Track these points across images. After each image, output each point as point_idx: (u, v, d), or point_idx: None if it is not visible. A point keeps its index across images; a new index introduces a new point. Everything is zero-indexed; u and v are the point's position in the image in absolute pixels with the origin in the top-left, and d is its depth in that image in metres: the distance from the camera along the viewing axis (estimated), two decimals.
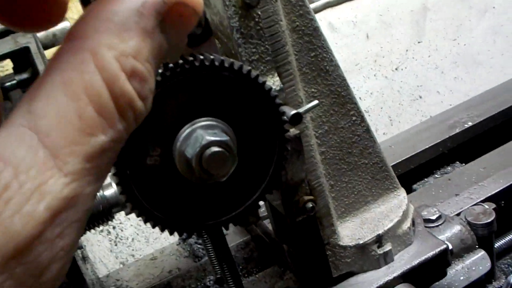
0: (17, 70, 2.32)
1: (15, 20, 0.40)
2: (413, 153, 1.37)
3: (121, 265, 1.63)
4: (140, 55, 0.34)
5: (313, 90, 0.76)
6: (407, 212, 0.85)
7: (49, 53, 2.47)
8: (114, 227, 1.64)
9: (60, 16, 0.42)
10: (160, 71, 0.50)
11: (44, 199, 0.30)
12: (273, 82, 0.68)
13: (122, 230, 1.64)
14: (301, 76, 0.74)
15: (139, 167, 0.52)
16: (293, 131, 0.67)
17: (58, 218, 0.31)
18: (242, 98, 0.54)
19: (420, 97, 2.07)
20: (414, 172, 1.37)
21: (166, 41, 0.36)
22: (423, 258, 0.81)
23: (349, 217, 0.84)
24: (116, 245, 1.64)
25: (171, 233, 0.57)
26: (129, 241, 1.66)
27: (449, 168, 1.40)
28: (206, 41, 0.54)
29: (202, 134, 0.51)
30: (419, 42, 2.05)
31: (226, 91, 0.53)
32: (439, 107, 2.06)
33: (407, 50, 2.02)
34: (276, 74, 0.67)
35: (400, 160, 1.34)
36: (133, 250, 1.67)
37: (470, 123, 1.44)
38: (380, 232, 0.80)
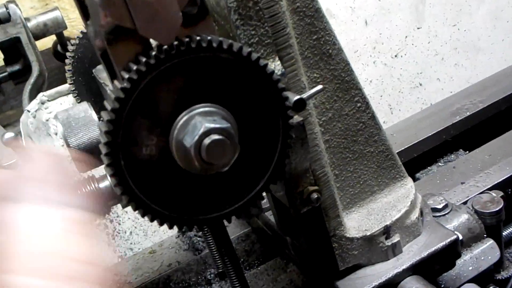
0: (8, 61, 2.26)
1: None
2: (416, 141, 1.34)
3: (119, 259, 1.59)
4: None
5: (315, 75, 0.72)
6: (415, 201, 0.81)
7: (41, 43, 2.39)
8: (111, 221, 1.60)
9: None
10: (153, 53, 0.46)
11: None
12: (274, 66, 0.64)
13: (119, 224, 1.61)
14: (303, 61, 0.70)
15: (134, 157, 0.49)
16: (296, 118, 0.63)
17: None
18: (243, 82, 0.50)
19: (420, 84, 2.04)
20: (417, 160, 1.34)
21: None
22: (432, 249, 0.78)
23: (355, 208, 0.80)
24: (113, 238, 1.60)
25: (170, 227, 0.53)
26: (127, 235, 1.63)
27: (453, 156, 1.37)
28: (202, 21, 0.50)
29: (201, 121, 0.47)
30: (418, 28, 2.01)
31: (225, 74, 0.50)
32: (439, 95, 2.02)
33: (406, 37, 1.98)
34: (277, 58, 0.64)
35: (402, 148, 1.30)
36: (131, 243, 1.64)
37: (473, 110, 1.41)
38: (388, 223, 0.77)
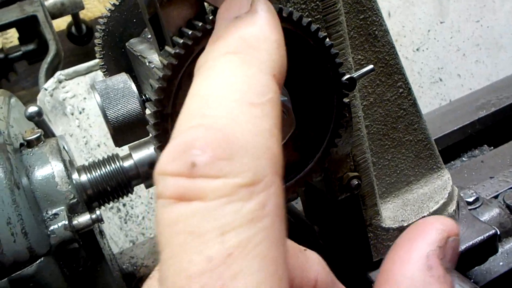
0: (22, 40, 2.23)
1: None
2: (441, 135, 1.31)
3: (131, 244, 1.57)
4: None
5: (359, 57, 0.69)
6: (452, 194, 0.79)
7: (57, 23, 2.35)
8: (124, 205, 1.58)
9: None
10: (210, 17, 0.43)
11: None
12: None
13: (132, 208, 1.59)
14: (349, 41, 0.67)
15: None
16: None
17: None
18: (299, 54, 0.47)
19: (440, 80, 2.00)
20: (441, 154, 1.30)
21: (448, 273, 0.35)
22: (470, 243, 0.75)
23: (390, 197, 0.77)
24: (126, 223, 1.58)
25: None
26: (139, 219, 1.61)
27: (477, 151, 1.34)
28: None
29: None
30: (441, 23, 1.97)
31: None
32: (459, 91, 1.99)
33: (429, 30, 1.95)
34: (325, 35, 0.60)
35: None
36: (143, 228, 1.61)
37: (499, 105, 1.37)
38: (425, 214, 0.74)
